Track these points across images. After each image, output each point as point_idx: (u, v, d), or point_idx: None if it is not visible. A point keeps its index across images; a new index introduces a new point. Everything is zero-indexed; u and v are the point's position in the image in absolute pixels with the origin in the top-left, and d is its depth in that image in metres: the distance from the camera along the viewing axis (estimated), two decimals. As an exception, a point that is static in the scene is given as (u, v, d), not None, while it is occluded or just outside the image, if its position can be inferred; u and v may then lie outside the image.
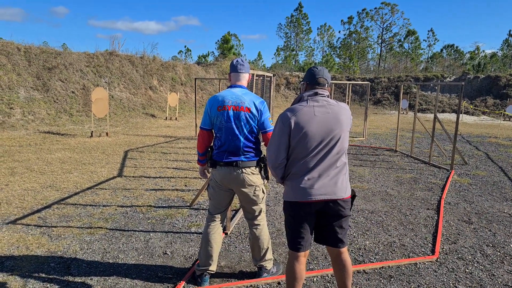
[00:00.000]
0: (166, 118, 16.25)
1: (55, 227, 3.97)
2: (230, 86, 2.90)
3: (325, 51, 54.60)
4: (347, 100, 12.76)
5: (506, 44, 48.23)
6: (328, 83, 2.37)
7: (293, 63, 50.01)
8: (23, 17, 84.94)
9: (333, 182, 2.27)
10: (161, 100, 18.30)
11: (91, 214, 4.39)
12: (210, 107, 2.83)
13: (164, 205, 4.80)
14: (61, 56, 15.19)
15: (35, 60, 14.10)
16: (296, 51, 54.56)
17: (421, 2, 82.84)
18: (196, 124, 11.60)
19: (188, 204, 4.89)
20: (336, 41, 54.24)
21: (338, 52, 52.94)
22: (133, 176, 6.22)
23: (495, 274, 3.29)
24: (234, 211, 4.60)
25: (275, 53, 56.71)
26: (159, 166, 7.05)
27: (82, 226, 4.02)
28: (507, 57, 46.43)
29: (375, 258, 3.52)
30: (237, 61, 2.92)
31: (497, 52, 49.57)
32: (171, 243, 3.69)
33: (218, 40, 45.51)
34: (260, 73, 5.69)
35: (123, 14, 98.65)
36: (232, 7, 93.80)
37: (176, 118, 16.41)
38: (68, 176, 6.04)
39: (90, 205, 4.70)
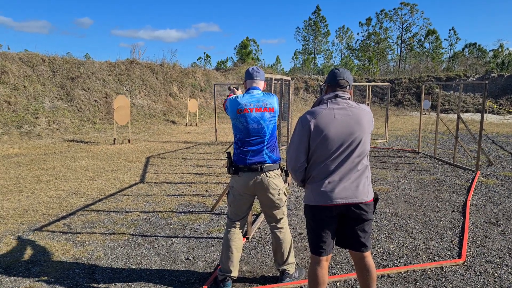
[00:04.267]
0: (186, 124, 16.46)
1: (79, 233, 4.07)
2: (248, 90, 2.94)
3: (344, 54, 54.14)
4: (367, 102, 12.60)
5: (532, 40, 46.45)
6: (350, 85, 2.35)
7: (312, 66, 49.77)
8: (49, 29, 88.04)
9: (355, 185, 2.24)
10: (181, 106, 18.56)
11: (114, 220, 4.48)
12: (230, 106, 2.89)
13: (186, 211, 4.85)
14: (84, 66, 15.67)
15: (59, 70, 14.59)
16: (314, 54, 54.29)
17: (441, 1, 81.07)
18: (216, 129, 11.69)
19: (209, 209, 4.92)
20: (355, 43, 53.68)
21: (357, 54, 52.31)
22: (154, 182, 6.32)
23: (527, 279, 3.15)
24: (255, 216, 4.59)
25: (293, 56, 56.59)
26: (180, 172, 7.13)
27: (105, 232, 4.11)
28: (534, 54, 44.69)
29: (399, 262, 3.44)
30: (252, 68, 2.98)
31: (522, 49, 47.87)
32: (193, 248, 3.72)
33: (236, 46, 45.85)
34: (279, 77, 5.69)
35: (145, 23, 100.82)
36: (251, 13, 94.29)
37: (196, 124, 16.60)
38: (92, 183, 6.20)
39: (113, 211, 4.79)
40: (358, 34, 73.41)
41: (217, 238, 3.97)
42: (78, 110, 13.69)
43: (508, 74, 26.91)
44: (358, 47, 52.63)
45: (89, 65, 16.04)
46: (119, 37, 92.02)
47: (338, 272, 3.25)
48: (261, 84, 2.96)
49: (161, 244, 3.81)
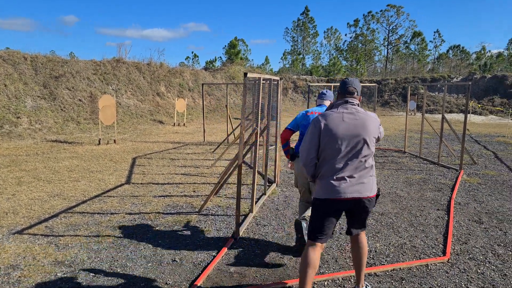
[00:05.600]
0: (174, 124, 16.33)
1: (62, 236, 3.97)
2: (319, 105, 3.84)
3: (332, 54, 54.50)
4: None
5: (512, 43, 47.58)
6: (358, 92, 2.66)
7: (300, 66, 49.97)
8: (32, 27, 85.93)
9: (360, 182, 2.51)
10: (168, 106, 18.40)
11: (98, 222, 4.39)
12: (300, 115, 3.72)
13: (173, 212, 4.79)
14: (68, 64, 15.38)
15: (42, 69, 14.29)
16: (303, 55, 54.54)
17: (426, 4, 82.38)
18: (204, 129, 11.62)
19: (197, 210, 4.87)
20: (343, 44, 54.11)
21: (345, 55, 52.74)
22: (141, 183, 6.23)
23: (507, 274, 3.22)
24: (243, 216, 4.56)
25: (282, 57, 56.77)
26: (168, 173, 7.06)
27: (89, 234, 4.02)
28: (514, 56, 45.82)
29: (386, 260, 3.46)
30: (322, 92, 3.92)
31: (503, 51, 49.02)
32: (179, 250, 3.67)
33: (225, 46, 45.69)
34: (267, 76, 5.66)
35: (132, 22, 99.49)
36: (241, 12, 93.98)
37: (184, 124, 16.48)
38: (75, 185, 6.07)
39: (98, 213, 4.70)
40: (346, 35, 74.23)
41: (205, 239, 3.93)
42: (62, 109, 13.43)
43: (490, 76, 27.53)
44: (346, 48, 53.07)
45: (73, 63, 15.76)
46: (106, 35, 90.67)
47: (326, 271, 3.25)
48: (327, 103, 3.80)
49: (147, 246, 3.75)
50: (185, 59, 53.38)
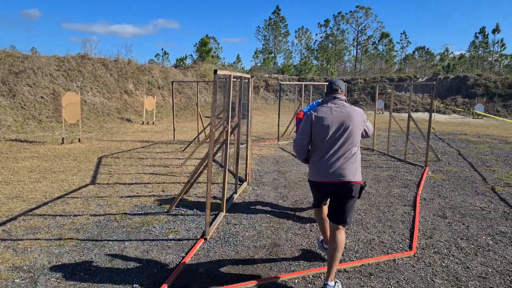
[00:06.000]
0: (143, 122, 15.92)
1: (21, 240, 3.75)
2: None
3: (303, 54, 55.13)
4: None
5: (473, 46, 49.99)
6: (341, 89, 3.05)
7: (272, 65, 50.22)
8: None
9: (343, 167, 2.81)
10: (137, 104, 17.93)
11: (61, 224, 4.18)
12: (315, 103, 4.00)
13: (140, 212, 4.64)
14: (29, 60, 14.64)
15: (1, 64, 13.52)
16: (274, 54, 54.83)
17: (393, 6, 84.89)
18: (174, 128, 11.39)
19: (165, 210, 4.74)
20: (314, 44, 54.87)
21: (315, 54, 53.51)
22: (107, 183, 6.00)
23: (469, 266, 3.34)
24: (213, 215, 4.49)
25: (254, 55, 56.76)
26: (135, 172, 6.85)
27: (51, 238, 3.82)
28: (474, 58, 48.23)
29: (355, 256, 3.50)
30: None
31: (465, 53, 51.48)
32: (147, 251, 3.55)
33: (196, 43, 45.09)
34: (238, 74, 5.60)
35: (98, 17, 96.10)
36: (212, 10, 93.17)
37: (153, 123, 16.10)
38: (36, 186, 5.77)
39: (60, 215, 4.48)
40: (316, 35, 75.21)
41: (174, 239, 3.82)
42: (22, 107, 12.76)
43: (453, 76, 28.78)
44: (317, 47, 53.84)
45: (35, 59, 15.01)
46: (70, 31, 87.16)
47: (296, 269, 3.25)
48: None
49: (113, 248, 3.60)
50: (155, 56, 52.36)
